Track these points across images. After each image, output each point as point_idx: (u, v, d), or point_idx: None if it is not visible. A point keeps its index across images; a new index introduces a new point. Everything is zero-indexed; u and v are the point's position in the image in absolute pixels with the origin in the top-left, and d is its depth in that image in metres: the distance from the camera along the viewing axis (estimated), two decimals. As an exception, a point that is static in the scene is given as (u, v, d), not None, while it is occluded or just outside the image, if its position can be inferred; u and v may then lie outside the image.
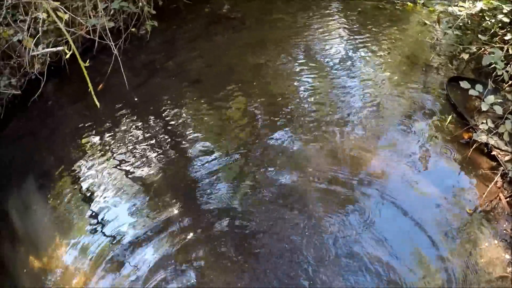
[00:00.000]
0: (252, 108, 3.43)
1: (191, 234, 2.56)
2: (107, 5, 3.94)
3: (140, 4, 4.16)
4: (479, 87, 3.29)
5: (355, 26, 4.63)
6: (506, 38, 3.61)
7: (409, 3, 5.07)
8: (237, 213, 2.68)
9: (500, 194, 2.90)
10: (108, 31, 3.52)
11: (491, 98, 3.17)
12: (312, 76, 3.83)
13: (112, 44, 3.46)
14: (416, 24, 4.71)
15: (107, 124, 3.42)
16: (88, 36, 3.70)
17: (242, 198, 2.78)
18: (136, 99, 3.63)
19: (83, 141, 3.30)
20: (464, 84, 3.32)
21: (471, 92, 3.20)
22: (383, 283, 2.28)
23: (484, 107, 3.15)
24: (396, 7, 5.03)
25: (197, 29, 4.45)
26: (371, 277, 2.31)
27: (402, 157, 3.12)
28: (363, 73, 3.94)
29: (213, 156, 3.09)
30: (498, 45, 3.53)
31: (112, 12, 4.03)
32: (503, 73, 3.19)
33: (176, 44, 4.26)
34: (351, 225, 2.59)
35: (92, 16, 3.77)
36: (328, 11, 4.87)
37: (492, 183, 2.90)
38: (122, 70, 3.37)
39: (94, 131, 3.39)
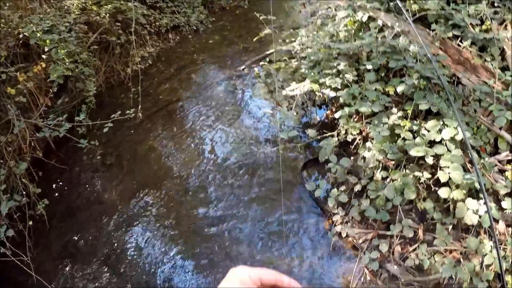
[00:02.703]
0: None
1: None
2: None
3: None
4: (322, 183, 4.27)
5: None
6: (336, 116, 4.53)
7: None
8: None
9: (365, 270, 3.90)
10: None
11: (334, 192, 4.15)
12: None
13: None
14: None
15: None
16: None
17: None
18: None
19: None
20: (309, 186, 4.30)
21: (316, 194, 4.18)
22: None
23: (330, 203, 4.13)
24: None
25: (87, 189, 5.10)
26: None
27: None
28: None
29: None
30: (329, 133, 4.47)
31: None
32: (336, 169, 4.13)
33: (77, 216, 4.73)
34: None
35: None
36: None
37: (356, 264, 3.91)
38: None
39: None
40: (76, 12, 6.04)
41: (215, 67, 6.86)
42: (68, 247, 4.36)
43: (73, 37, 5.61)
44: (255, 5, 6.00)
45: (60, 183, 5.12)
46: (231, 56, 7.08)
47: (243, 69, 6.55)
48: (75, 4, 6.06)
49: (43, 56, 5.21)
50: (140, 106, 5.48)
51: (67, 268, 4.13)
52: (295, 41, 5.86)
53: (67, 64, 5.29)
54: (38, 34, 5.05)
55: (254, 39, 5.80)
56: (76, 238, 4.43)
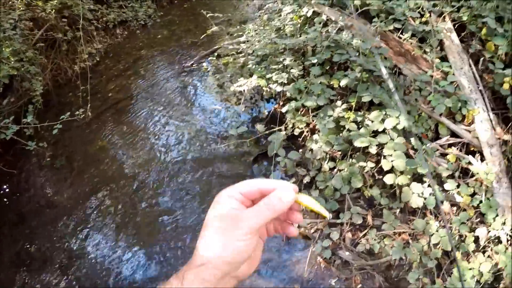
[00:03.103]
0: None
1: None
2: None
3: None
4: (273, 176, 4.36)
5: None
6: (283, 110, 4.62)
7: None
8: None
9: (319, 258, 4.02)
10: None
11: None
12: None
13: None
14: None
15: None
16: None
17: None
18: None
19: None
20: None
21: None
22: None
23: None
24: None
25: (37, 194, 4.91)
26: None
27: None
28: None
29: None
30: (277, 127, 4.55)
31: None
32: (285, 163, 4.22)
33: (29, 222, 4.54)
34: None
35: None
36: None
37: (309, 253, 4.03)
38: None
39: None
40: (21, 8, 5.80)
41: (164, 63, 6.78)
42: (21, 255, 4.21)
43: (18, 35, 5.40)
44: (204, -2, 6.04)
45: (9, 188, 4.93)
46: (180, 51, 7.02)
47: (191, 65, 6.52)
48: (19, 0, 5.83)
49: (-13, 56, 4.98)
50: (89, 105, 5.37)
51: (22, 277, 4.00)
52: (242, 35, 5.89)
53: (12, 63, 5.09)
54: (-19, 33, 4.83)
55: (202, 36, 5.78)
56: (29, 246, 4.29)
